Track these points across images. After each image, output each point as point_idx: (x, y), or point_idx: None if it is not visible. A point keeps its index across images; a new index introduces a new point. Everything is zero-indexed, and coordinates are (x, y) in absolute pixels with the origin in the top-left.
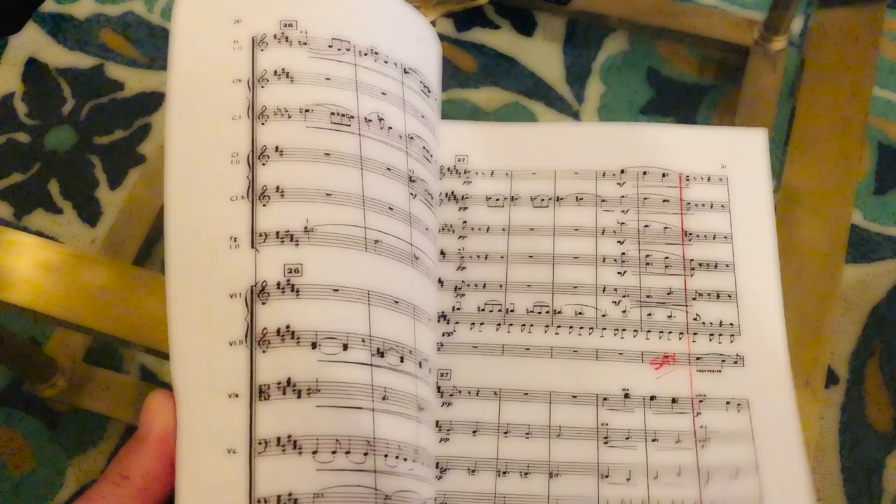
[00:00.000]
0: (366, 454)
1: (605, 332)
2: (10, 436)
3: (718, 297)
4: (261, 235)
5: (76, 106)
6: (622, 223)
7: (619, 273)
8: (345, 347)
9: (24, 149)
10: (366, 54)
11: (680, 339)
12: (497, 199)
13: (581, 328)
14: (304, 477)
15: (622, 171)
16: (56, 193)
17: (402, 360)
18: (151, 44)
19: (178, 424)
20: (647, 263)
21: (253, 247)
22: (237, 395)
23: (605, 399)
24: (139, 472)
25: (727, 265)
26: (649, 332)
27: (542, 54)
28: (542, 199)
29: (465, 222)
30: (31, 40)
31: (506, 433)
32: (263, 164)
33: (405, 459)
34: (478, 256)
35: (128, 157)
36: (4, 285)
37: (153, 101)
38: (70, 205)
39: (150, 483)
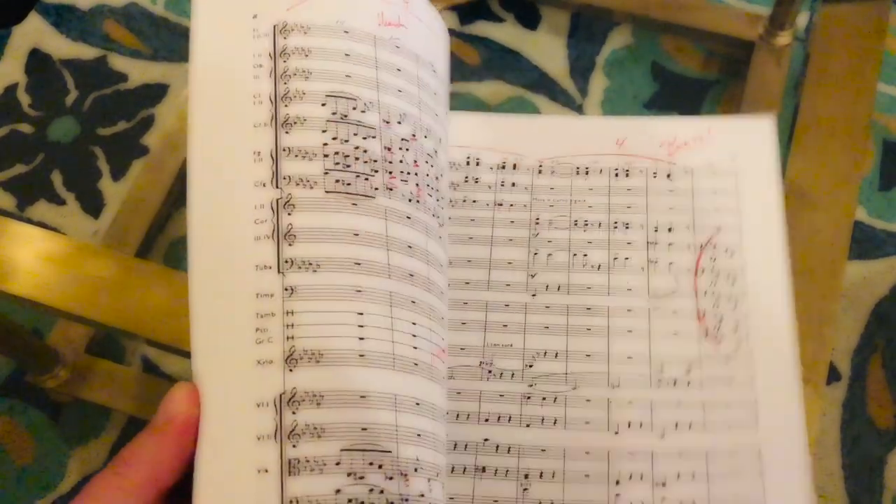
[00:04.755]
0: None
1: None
2: (13, 426)
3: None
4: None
5: (79, 97)
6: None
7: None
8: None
9: (28, 140)
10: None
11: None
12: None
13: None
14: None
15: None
16: (59, 184)
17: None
18: (155, 35)
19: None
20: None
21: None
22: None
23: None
24: (147, 461)
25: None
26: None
27: (546, 48)
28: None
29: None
30: (34, 31)
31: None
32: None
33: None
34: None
35: (131, 149)
36: (7, 276)
37: (156, 92)
38: (73, 196)
39: (159, 472)
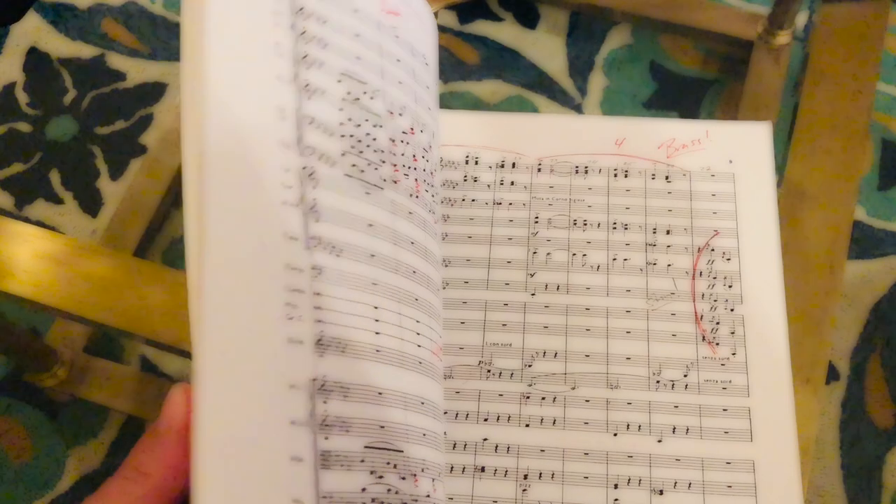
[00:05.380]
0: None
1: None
2: (11, 425)
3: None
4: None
5: (77, 96)
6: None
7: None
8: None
9: (26, 138)
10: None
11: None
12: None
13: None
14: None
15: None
16: (57, 183)
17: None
18: (153, 34)
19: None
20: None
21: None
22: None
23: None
24: (157, 467)
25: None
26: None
27: (545, 47)
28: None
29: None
30: (32, 30)
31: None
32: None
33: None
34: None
35: (129, 148)
36: (5, 275)
37: (154, 91)
38: (71, 195)
39: (169, 478)
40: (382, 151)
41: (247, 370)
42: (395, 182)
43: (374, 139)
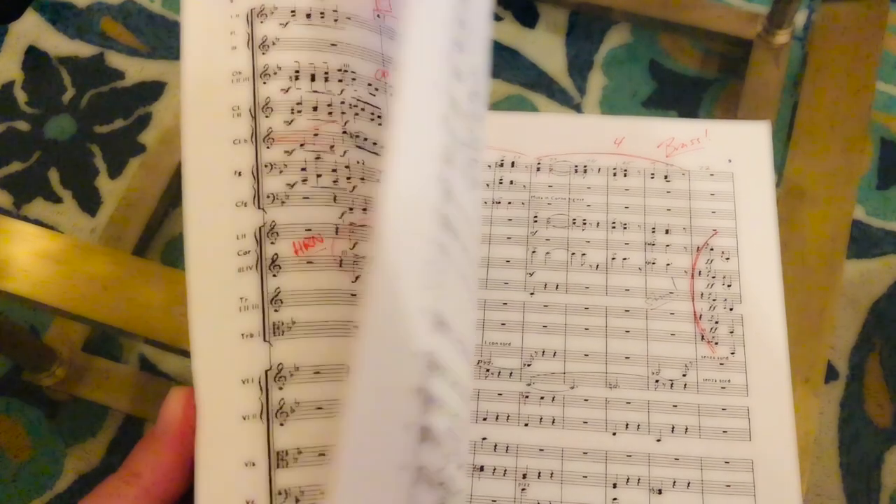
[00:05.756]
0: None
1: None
2: (9, 424)
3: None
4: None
5: (76, 94)
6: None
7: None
8: None
9: (24, 137)
10: None
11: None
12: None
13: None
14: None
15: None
16: (56, 182)
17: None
18: (152, 33)
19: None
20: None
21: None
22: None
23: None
24: (152, 470)
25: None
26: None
27: (544, 46)
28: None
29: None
30: (31, 28)
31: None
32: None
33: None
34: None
35: (128, 147)
36: (4, 274)
37: (153, 90)
38: (70, 194)
39: (163, 481)
40: (477, 150)
41: (396, 338)
42: (478, 183)
43: (478, 138)
